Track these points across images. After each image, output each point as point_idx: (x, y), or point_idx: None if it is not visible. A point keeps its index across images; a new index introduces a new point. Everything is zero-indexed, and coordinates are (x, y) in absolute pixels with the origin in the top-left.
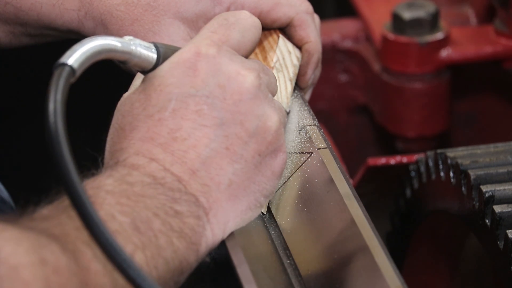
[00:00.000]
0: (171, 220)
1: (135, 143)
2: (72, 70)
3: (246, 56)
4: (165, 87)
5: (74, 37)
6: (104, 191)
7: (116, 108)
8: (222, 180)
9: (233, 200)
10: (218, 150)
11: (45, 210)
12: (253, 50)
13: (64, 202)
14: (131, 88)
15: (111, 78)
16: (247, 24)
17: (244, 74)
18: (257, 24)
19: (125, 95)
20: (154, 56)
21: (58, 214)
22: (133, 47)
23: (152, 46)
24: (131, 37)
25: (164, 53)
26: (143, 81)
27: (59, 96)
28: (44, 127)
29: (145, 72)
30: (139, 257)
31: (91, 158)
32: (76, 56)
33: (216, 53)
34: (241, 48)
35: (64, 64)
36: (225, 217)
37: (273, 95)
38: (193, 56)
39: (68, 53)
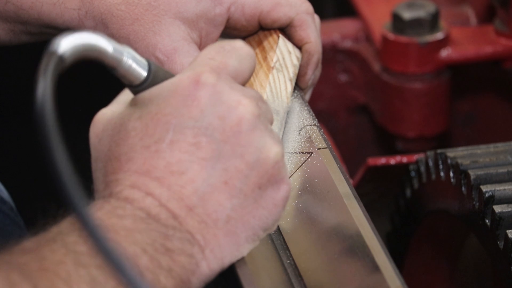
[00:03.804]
0: (160, 257)
1: (131, 175)
2: (61, 59)
3: (243, 85)
4: (163, 116)
5: None
6: None
7: (95, 126)
8: (220, 216)
9: (231, 236)
10: (217, 185)
11: (27, 243)
12: (249, 79)
13: (49, 234)
14: (114, 104)
15: (106, 80)
16: (243, 53)
17: (244, 104)
18: (252, 53)
19: (105, 111)
20: (144, 73)
21: (40, 248)
22: (125, 58)
23: (145, 62)
24: (126, 46)
25: (155, 72)
26: (137, 104)
27: (48, 82)
28: (33, 112)
29: (132, 87)
30: None
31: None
32: (65, 45)
33: (216, 81)
34: (238, 76)
35: (54, 52)
36: (222, 252)
37: (271, 124)
38: (192, 84)
39: (57, 40)
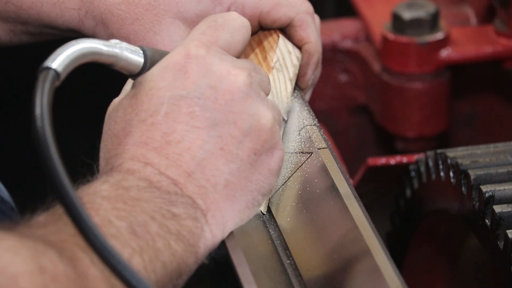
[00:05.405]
0: (168, 223)
1: (129, 148)
2: (56, 73)
3: (237, 57)
4: (157, 91)
5: (74, 36)
6: (100, 197)
7: (106, 114)
8: (218, 181)
9: (231, 200)
10: (213, 151)
11: (41, 217)
12: (243, 51)
13: (61, 208)
14: (122, 93)
15: (105, 80)
16: (236, 25)
17: (235, 73)
18: (246, 24)
19: (116, 100)
20: (141, 60)
21: (55, 221)
22: (118, 51)
23: (139, 50)
24: (117, 41)
25: (152, 57)
26: (133, 86)
27: (45, 100)
28: (32, 132)
29: (133, 75)
30: (137, 261)
31: (86, 165)
32: (60, 60)
33: (205, 53)
34: (231, 49)
35: (49, 68)
36: (224, 217)
37: (267, 94)
38: (183, 58)
39: (52, 56)
